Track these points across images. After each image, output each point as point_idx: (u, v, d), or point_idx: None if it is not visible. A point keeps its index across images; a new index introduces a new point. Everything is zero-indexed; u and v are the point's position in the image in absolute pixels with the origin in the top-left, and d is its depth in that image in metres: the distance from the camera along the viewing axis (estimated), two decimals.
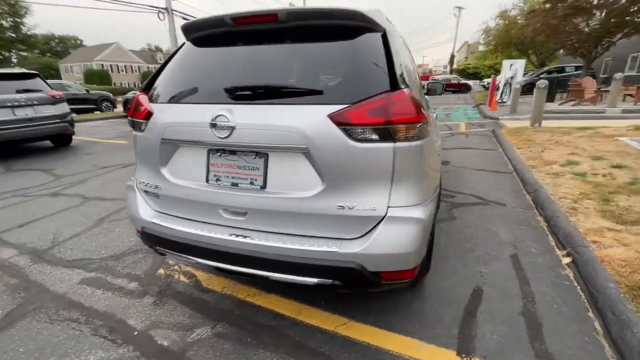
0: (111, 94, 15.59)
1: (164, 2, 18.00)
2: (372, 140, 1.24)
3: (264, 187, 1.38)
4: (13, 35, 33.71)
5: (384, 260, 1.30)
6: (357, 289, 1.36)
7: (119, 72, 52.57)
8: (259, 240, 1.38)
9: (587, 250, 2.23)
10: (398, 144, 1.26)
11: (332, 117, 1.23)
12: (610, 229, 2.47)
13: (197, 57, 1.64)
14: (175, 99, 1.55)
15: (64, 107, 6.34)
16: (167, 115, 1.52)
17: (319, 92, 1.32)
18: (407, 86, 1.35)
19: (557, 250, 2.42)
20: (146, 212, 1.66)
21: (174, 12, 20.36)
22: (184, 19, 21.65)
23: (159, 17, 20.06)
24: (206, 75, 1.57)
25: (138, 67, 55.05)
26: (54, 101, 6.04)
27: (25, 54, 45.70)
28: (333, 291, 1.98)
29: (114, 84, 46.86)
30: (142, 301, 2.00)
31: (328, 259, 1.30)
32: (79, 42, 68.87)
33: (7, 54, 37.21)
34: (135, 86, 48.63)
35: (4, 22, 32.47)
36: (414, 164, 1.32)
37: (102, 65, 50.20)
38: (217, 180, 1.45)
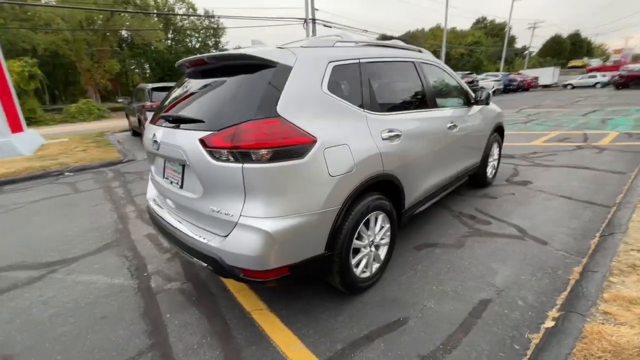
0: None
1: (304, 13, 20.42)
2: (226, 160, 1.54)
3: (181, 187, 1.88)
4: (213, 50, 45.83)
5: (236, 258, 1.58)
6: (228, 276, 1.63)
7: None
8: (178, 224, 1.90)
9: (580, 318, 1.71)
10: (246, 165, 1.51)
11: (201, 140, 1.60)
12: None
13: (178, 88, 2.27)
14: (152, 121, 2.23)
15: None
16: (146, 132, 2.22)
17: (201, 121, 1.70)
18: (277, 115, 1.55)
19: (549, 311, 1.91)
20: (150, 194, 2.45)
21: (316, 20, 22.79)
22: (325, 26, 23.91)
23: (304, 26, 22.90)
24: (168, 102, 2.17)
25: None
26: None
27: None
28: (282, 283, 2.28)
29: None
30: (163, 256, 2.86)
31: (204, 247, 1.69)
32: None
33: None
34: None
35: (209, 42, 44.69)
36: (263, 183, 1.53)
37: None
38: (167, 177, 2.05)
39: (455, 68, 44.33)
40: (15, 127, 8.41)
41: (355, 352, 1.70)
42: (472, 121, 3.25)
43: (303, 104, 1.69)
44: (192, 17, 42.79)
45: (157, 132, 1.94)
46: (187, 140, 1.69)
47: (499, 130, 3.96)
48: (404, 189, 2.31)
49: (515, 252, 2.55)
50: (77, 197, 4.72)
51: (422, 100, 2.63)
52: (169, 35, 42.48)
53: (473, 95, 3.32)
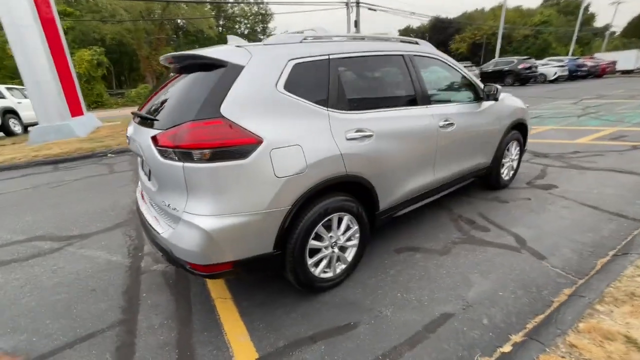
0: None
1: None
2: (171, 159, 1.61)
3: (149, 179, 2.01)
4: (261, 37, 46.76)
5: (182, 251, 1.67)
6: (179, 267, 1.72)
7: None
8: (147, 214, 2.05)
9: (538, 347, 1.55)
10: (186, 164, 1.56)
11: (152, 138, 1.68)
12: (630, 340, 1.51)
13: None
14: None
15: None
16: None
17: (156, 119, 1.77)
18: (221, 115, 1.58)
19: (513, 334, 1.74)
20: (138, 186, 2.63)
21: (360, 4, 22.08)
22: (370, 9, 23.06)
23: (347, 11, 22.35)
24: (145, 100, 2.28)
25: None
26: None
27: None
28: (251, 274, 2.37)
29: None
30: None
31: (159, 238, 1.80)
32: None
33: None
34: None
35: (257, 28, 45.58)
36: (203, 182, 1.58)
37: None
38: (143, 169, 2.20)
39: (516, 52, 40.20)
40: (76, 111, 9.48)
41: (294, 352, 1.73)
42: (479, 118, 2.97)
43: (252, 104, 1.69)
44: (241, 4, 43.78)
45: (129, 128, 2.09)
46: (144, 138, 1.79)
47: (519, 127, 3.58)
48: (377, 191, 2.22)
49: (503, 265, 2.34)
50: (110, 177, 5.26)
51: (408, 97, 2.46)
52: (220, 22, 44.08)
53: (483, 89, 3.02)
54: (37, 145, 7.52)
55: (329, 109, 1.96)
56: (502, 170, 3.56)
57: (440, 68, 2.80)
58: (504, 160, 3.53)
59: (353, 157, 1.99)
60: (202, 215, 1.61)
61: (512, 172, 3.77)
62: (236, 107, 1.64)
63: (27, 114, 11.12)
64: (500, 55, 26.67)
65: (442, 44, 55.81)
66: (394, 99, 2.42)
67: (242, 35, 47.63)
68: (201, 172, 1.58)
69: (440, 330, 1.81)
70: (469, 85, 3.00)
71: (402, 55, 2.45)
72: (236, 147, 1.60)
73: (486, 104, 3.09)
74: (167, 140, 1.60)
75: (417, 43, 2.69)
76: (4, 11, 6.64)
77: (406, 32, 74.21)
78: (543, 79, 19.91)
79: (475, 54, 48.19)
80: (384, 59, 2.37)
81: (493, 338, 1.73)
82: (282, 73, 1.81)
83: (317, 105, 1.92)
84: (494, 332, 1.77)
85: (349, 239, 2.19)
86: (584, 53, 40.57)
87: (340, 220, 2.09)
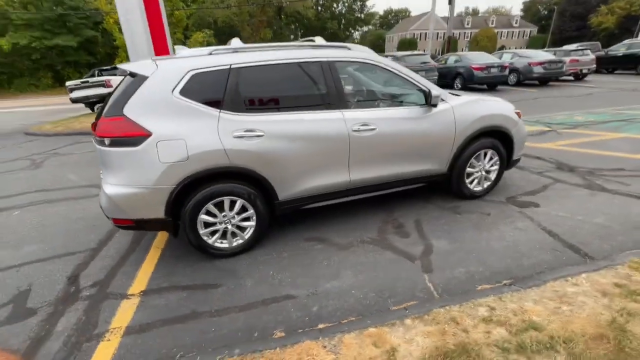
0: None
1: None
2: (97, 142, 2.31)
3: None
4: (359, 15, 46.13)
5: (103, 207, 2.40)
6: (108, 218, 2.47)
7: (425, 39, 57.71)
8: None
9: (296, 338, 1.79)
10: (99, 147, 2.24)
11: (92, 126, 2.40)
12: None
13: None
14: None
15: None
16: None
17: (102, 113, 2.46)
18: (121, 113, 2.19)
19: (320, 324, 1.97)
20: None
21: None
22: None
23: None
24: None
25: (443, 33, 57.55)
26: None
27: (366, 28, 60.79)
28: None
29: (418, 49, 52.43)
30: None
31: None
32: (407, 14, 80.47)
33: (351, 30, 51.58)
34: (437, 53, 52.17)
35: (354, 6, 45.03)
36: (108, 160, 2.23)
37: (414, 34, 57.01)
38: None
39: None
40: None
41: (165, 292, 2.33)
42: (421, 123, 2.90)
43: (149, 106, 2.25)
44: None
45: None
46: None
47: (495, 135, 3.25)
48: (272, 183, 2.57)
49: (382, 269, 2.44)
50: None
51: (316, 101, 2.65)
52: (320, 2, 45.12)
53: (435, 93, 2.88)
54: None
55: (221, 111, 2.38)
56: (467, 180, 3.34)
57: (373, 73, 2.84)
58: (469, 170, 3.30)
59: (239, 152, 2.39)
60: (109, 184, 2.30)
61: (487, 183, 3.47)
62: (136, 108, 2.23)
63: None
64: None
65: (579, 18, 45.40)
66: (295, 103, 2.64)
67: (338, 15, 47.60)
68: (108, 153, 2.25)
69: (273, 306, 2.15)
70: (410, 89, 2.93)
71: (318, 62, 2.63)
72: (130, 138, 2.20)
73: (439, 108, 2.96)
74: (94, 128, 2.31)
75: (348, 48, 2.79)
76: (122, 11, 8.51)
77: (532, 3, 62.48)
78: None
79: (627, 30, 37.73)
80: (292, 66, 2.59)
81: (300, 320, 2.01)
82: (179, 81, 2.31)
83: (210, 108, 2.36)
84: (299, 320, 2.03)
85: (245, 220, 2.63)
86: None
87: (233, 203, 2.54)
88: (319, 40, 2.86)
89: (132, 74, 2.31)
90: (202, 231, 2.54)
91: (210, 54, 2.47)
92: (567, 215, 3.06)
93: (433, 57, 14.11)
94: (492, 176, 3.47)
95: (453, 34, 57.27)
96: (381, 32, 71.32)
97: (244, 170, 2.46)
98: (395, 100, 2.92)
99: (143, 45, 9.84)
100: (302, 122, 2.57)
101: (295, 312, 2.09)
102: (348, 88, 2.88)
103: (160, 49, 11.09)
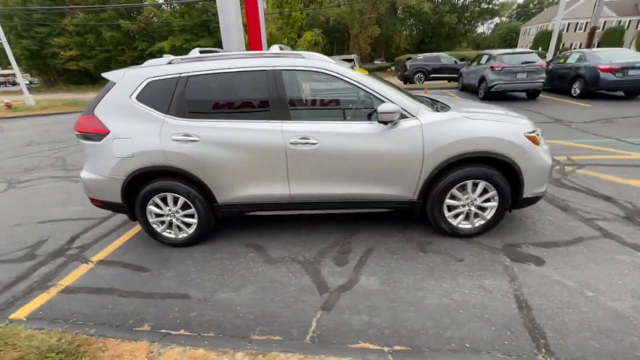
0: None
1: None
2: (77, 136, 2.85)
3: None
4: (486, 6, 40.64)
5: (83, 189, 2.98)
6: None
7: (575, 30, 46.79)
8: None
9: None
10: (80, 140, 2.77)
11: None
12: None
13: None
14: None
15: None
16: None
17: None
18: (91, 113, 2.66)
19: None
20: None
21: None
22: None
23: None
24: None
25: (604, 22, 45.35)
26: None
27: (496, 20, 53.30)
28: None
29: (563, 44, 43.03)
30: None
31: None
32: (555, 0, 66.50)
33: (474, 24, 46.00)
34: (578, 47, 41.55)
35: None
36: (85, 151, 2.73)
37: (562, 24, 46.91)
38: None
39: None
40: None
41: (108, 265, 2.77)
42: (370, 141, 2.52)
43: (112, 108, 2.66)
44: None
45: None
46: None
47: (490, 162, 2.56)
48: (210, 186, 2.70)
49: (279, 292, 2.29)
50: None
51: (257, 111, 2.60)
52: None
53: (385, 109, 2.42)
54: None
55: (167, 115, 2.63)
56: (448, 213, 2.74)
57: (326, 84, 2.60)
58: (451, 202, 2.70)
59: (175, 154, 2.60)
60: (84, 170, 2.84)
61: (480, 222, 2.77)
62: (103, 109, 2.68)
63: None
64: None
65: None
66: (235, 111, 2.64)
67: (460, 7, 43.09)
68: (83, 145, 2.77)
69: (167, 301, 2.31)
70: (370, 103, 2.55)
71: (264, 71, 2.58)
72: (95, 134, 2.67)
73: (403, 125, 2.52)
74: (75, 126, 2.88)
75: (302, 57, 2.62)
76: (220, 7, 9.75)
77: None
78: None
79: None
80: (237, 75, 2.60)
81: (172, 321, 2.09)
82: (137, 88, 2.64)
83: (157, 112, 2.63)
84: (172, 321, 2.11)
85: (189, 216, 2.85)
86: None
87: (176, 199, 2.79)
88: (274, 48, 2.78)
89: (108, 80, 2.77)
90: (151, 220, 2.87)
91: (170, 62, 2.73)
92: (575, 285, 2.20)
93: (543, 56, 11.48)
94: (488, 214, 2.74)
95: (602, 23, 44.89)
96: (515, 24, 61.24)
97: (180, 171, 2.66)
98: (349, 114, 2.61)
99: (235, 41, 11.13)
100: (237, 131, 2.59)
101: (176, 312, 2.19)
102: (297, 98, 2.72)
103: (255, 46, 12.33)
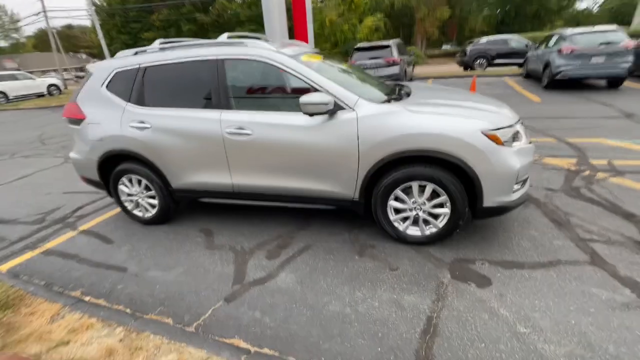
0: None
1: None
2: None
3: None
4: None
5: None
6: None
7: None
8: None
9: None
10: (68, 124, 3.17)
11: None
12: None
13: None
14: None
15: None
16: None
17: None
18: (74, 100, 3.02)
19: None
20: None
21: None
22: None
23: None
24: None
25: None
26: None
27: None
28: None
29: None
30: None
31: None
32: None
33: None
34: None
35: None
36: (72, 134, 3.12)
37: None
38: None
39: None
40: None
41: (88, 235, 3.16)
42: (304, 134, 2.37)
43: (88, 96, 2.98)
44: None
45: None
46: None
47: (441, 163, 2.22)
48: (163, 171, 2.87)
49: (202, 277, 2.36)
50: None
51: (202, 100, 2.63)
52: None
53: (308, 100, 2.23)
54: None
55: (128, 103, 2.84)
56: (393, 216, 2.48)
57: (265, 72, 2.51)
58: (395, 204, 2.43)
59: (131, 139, 2.82)
60: (71, 151, 3.24)
61: (432, 229, 2.44)
62: (81, 97, 3.02)
63: None
64: None
65: None
66: (183, 100, 2.70)
67: None
68: (71, 129, 3.17)
69: (108, 272, 2.56)
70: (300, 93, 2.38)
71: (208, 60, 2.59)
72: (77, 119, 3.02)
73: (340, 118, 2.32)
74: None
75: (245, 46, 2.56)
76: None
77: None
78: None
79: None
80: (188, 65, 2.65)
81: (99, 289, 2.32)
82: (107, 77, 2.91)
83: (121, 100, 2.86)
84: (99, 289, 2.33)
85: (151, 197, 3.09)
86: None
87: (140, 181, 3.03)
88: (222, 37, 2.74)
89: (87, 71, 3.09)
90: (123, 198, 3.18)
91: (135, 54, 2.92)
92: (510, 317, 1.82)
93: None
94: (440, 222, 2.40)
95: None
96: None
97: (138, 155, 2.87)
98: (289, 105, 2.48)
99: (276, 29, 11.25)
100: (182, 119, 2.68)
101: (108, 283, 2.43)
102: (239, 87, 2.67)
103: (300, 33, 12.36)
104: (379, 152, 2.27)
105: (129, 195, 3.15)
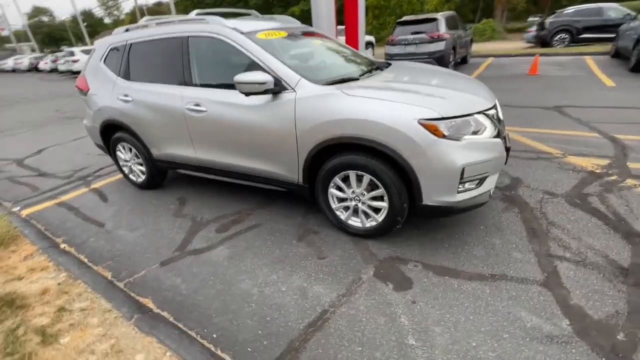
0: None
1: None
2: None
3: None
4: None
5: None
6: None
7: None
8: None
9: None
10: (80, 95, 3.61)
11: None
12: None
13: None
14: None
15: None
16: None
17: None
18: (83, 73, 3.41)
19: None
20: None
21: None
22: None
23: None
24: None
25: None
26: None
27: None
28: None
29: None
30: None
31: None
32: None
33: None
34: None
35: None
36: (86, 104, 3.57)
37: None
38: None
39: None
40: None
41: (85, 194, 3.66)
42: (250, 113, 2.36)
43: (91, 70, 3.34)
44: None
45: None
46: None
47: (376, 154, 2.04)
48: (145, 142, 3.14)
49: (157, 238, 2.59)
50: None
51: (172, 76, 2.76)
52: None
53: (243, 79, 2.17)
54: None
55: (118, 77, 3.13)
56: (335, 204, 2.38)
57: (219, 49, 2.51)
58: (336, 192, 2.32)
59: (119, 111, 3.12)
60: (84, 119, 3.71)
61: (371, 223, 2.29)
62: (88, 70, 3.40)
63: None
64: None
65: None
66: (157, 75, 2.85)
67: None
68: (82, 99, 3.61)
69: (87, 225, 2.97)
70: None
71: (176, 38, 2.68)
72: (84, 90, 3.43)
73: (282, 98, 2.25)
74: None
75: (206, 22, 2.57)
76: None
77: None
78: None
79: None
80: (163, 41, 2.78)
81: (75, 238, 2.71)
82: (104, 53, 3.22)
83: (113, 74, 3.16)
84: (76, 237, 2.71)
85: (140, 164, 3.42)
86: None
87: (131, 149, 3.37)
88: (192, 14, 2.75)
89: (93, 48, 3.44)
90: (120, 163, 3.58)
91: (126, 30, 3.16)
92: (407, 325, 1.68)
93: None
94: (380, 216, 2.24)
95: None
96: None
97: (125, 125, 3.17)
98: (230, 81, 2.46)
99: (323, 12, 10.95)
100: (154, 94, 2.87)
101: (85, 234, 2.82)
102: (202, 64, 2.69)
103: (350, 17, 11.88)
104: (314, 136, 2.17)
105: (125, 161, 3.52)
